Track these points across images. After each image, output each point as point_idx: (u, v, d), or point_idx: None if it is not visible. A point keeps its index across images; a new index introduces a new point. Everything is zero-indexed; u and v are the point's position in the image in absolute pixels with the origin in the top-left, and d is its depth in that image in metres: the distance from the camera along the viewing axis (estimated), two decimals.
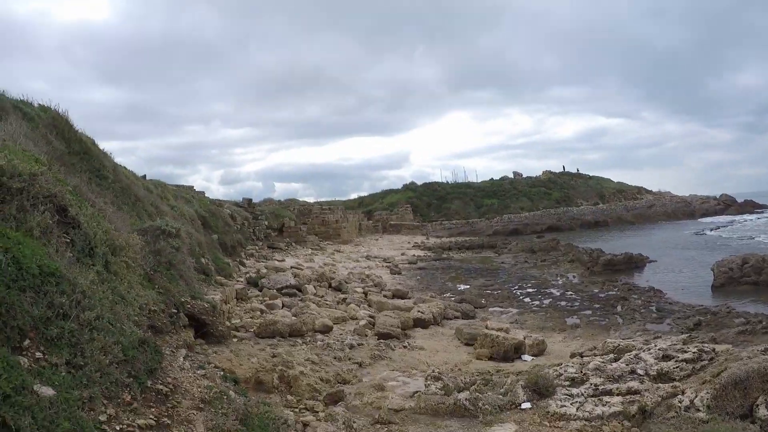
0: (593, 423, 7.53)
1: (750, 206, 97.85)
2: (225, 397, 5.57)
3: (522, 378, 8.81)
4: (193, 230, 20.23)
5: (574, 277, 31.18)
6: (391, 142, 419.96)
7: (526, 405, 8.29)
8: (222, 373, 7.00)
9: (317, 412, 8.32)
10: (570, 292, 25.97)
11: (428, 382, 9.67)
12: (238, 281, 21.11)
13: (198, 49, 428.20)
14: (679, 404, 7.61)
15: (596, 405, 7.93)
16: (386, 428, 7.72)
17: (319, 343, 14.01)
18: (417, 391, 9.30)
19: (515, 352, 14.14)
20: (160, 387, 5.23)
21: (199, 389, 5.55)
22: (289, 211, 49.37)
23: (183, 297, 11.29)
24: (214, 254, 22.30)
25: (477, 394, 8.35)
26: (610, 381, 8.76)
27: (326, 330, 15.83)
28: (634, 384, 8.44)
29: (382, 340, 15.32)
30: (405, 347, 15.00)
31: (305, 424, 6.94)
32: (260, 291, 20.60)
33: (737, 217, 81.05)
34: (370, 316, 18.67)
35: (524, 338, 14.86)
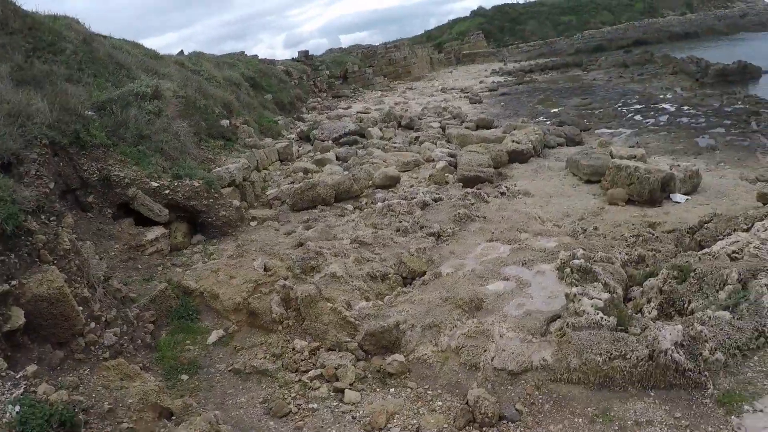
0: None
1: None
2: None
3: (762, 272, 3.97)
4: (216, 90, 15.75)
5: (682, 90, 24.91)
6: None
7: None
8: None
9: (339, 388, 3.93)
10: (687, 107, 20.31)
11: (568, 285, 4.77)
12: (287, 138, 16.77)
13: None
14: None
15: None
16: None
17: (378, 205, 9.56)
18: (555, 316, 4.46)
19: (662, 190, 9.20)
20: None
21: None
22: (352, 56, 43.47)
23: (156, 181, 7.07)
24: (258, 114, 18.05)
25: (697, 326, 3.61)
26: None
27: (390, 183, 11.40)
28: None
29: (468, 189, 10.60)
30: (503, 194, 10.33)
31: None
32: (312, 145, 16.25)
33: None
34: (450, 155, 13.95)
35: (671, 168, 9.72)
